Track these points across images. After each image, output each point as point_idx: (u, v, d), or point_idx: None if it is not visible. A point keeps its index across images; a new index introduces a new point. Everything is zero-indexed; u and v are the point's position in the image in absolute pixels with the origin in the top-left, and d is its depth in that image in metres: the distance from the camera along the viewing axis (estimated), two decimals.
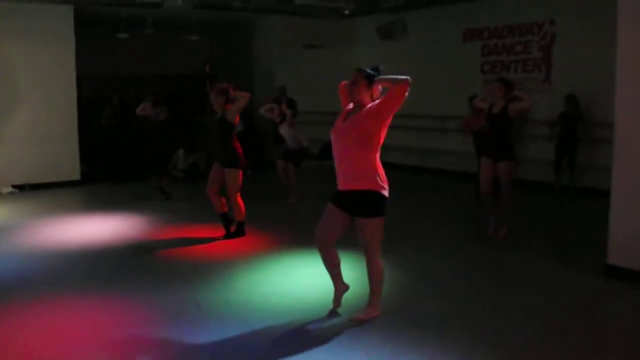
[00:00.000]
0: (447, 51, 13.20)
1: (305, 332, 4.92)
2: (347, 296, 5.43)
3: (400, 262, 6.78)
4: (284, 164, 10.31)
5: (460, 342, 4.66)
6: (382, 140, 4.95)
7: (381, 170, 4.94)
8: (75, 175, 12.33)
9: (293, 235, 8.12)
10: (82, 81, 13.38)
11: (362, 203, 4.90)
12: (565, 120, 10.42)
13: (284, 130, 10.46)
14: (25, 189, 11.71)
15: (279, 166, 10.38)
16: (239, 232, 7.92)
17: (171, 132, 10.91)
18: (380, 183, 4.90)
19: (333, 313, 5.25)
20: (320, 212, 5.16)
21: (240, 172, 7.81)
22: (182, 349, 4.62)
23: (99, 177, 12.73)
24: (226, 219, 8.00)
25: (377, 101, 4.94)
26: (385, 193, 4.93)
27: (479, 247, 7.56)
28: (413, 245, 7.55)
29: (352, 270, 6.00)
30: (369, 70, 5.02)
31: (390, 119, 4.93)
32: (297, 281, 6.23)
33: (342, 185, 4.99)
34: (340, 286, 5.32)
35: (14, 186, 11.67)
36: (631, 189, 6.08)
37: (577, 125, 10.31)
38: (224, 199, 7.97)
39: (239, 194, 7.81)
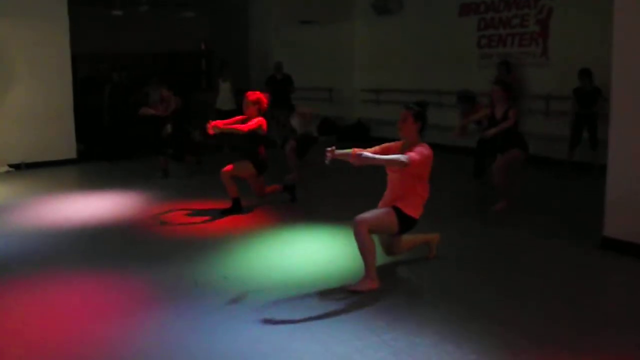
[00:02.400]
0: (444, 25, 13.12)
1: (303, 305, 4.94)
2: (344, 270, 5.45)
3: None
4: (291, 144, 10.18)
5: (457, 315, 4.69)
6: (428, 173, 5.42)
7: (423, 200, 5.45)
8: (72, 154, 12.30)
9: (290, 211, 8.13)
10: (77, 60, 13.29)
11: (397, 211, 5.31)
12: (581, 96, 10.15)
13: (294, 122, 10.28)
14: (21, 168, 11.69)
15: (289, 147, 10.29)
16: (235, 209, 7.93)
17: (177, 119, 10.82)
18: (418, 211, 5.41)
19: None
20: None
21: (253, 169, 7.91)
22: (180, 324, 4.65)
23: (96, 156, 12.70)
24: (289, 189, 8.40)
25: (417, 158, 5.23)
26: (416, 217, 5.42)
27: (477, 222, 7.57)
28: None
29: (351, 246, 6.03)
30: (413, 106, 5.54)
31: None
32: (294, 256, 6.25)
33: (385, 203, 5.43)
34: (430, 239, 6.02)
35: (10, 165, 11.63)
36: (627, 162, 6.08)
37: (596, 100, 9.93)
38: (271, 187, 8.30)
39: (230, 178, 7.86)
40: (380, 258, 5.59)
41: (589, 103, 10.05)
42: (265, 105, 8.02)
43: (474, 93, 10.13)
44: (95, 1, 14.20)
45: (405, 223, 5.36)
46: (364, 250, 5.18)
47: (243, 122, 7.91)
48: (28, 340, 4.45)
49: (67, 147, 12.24)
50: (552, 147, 10.95)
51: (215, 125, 7.53)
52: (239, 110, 13.13)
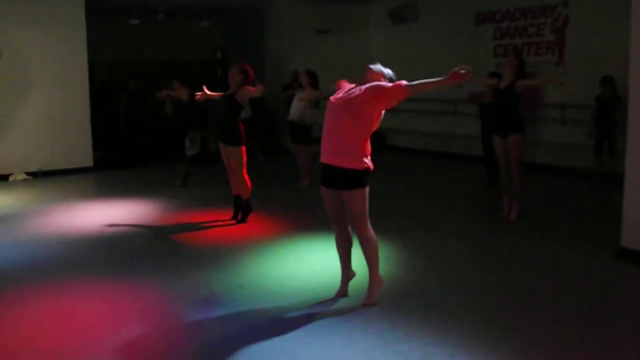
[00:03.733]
0: (460, 35, 13.09)
1: (317, 314, 4.93)
2: (360, 279, 5.45)
3: (411, 245, 6.79)
4: (295, 147, 10.31)
5: (471, 324, 4.67)
6: (376, 124, 5.01)
7: (368, 149, 4.96)
8: (88, 162, 12.38)
9: (304, 219, 8.13)
10: (94, 68, 13.40)
11: (346, 179, 4.88)
12: (602, 104, 10.01)
13: (294, 106, 10.29)
14: (38, 176, 11.78)
15: (294, 149, 10.41)
16: (246, 210, 7.95)
17: (187, 117, 10.88)
18: (365, 161, 4.88)
19: (338, 297, 5.26)
20: None
21: (244, 148, 7.82)
22: (195, 332, 4.66)
23: (112, 164, 12.77)
24: (238, 203, 8.03)
25: (378, 88, 4.97)
26: (369, 166, 4.91)
27: (490, 231, 7.55)
28: (424, 229, 7.54)
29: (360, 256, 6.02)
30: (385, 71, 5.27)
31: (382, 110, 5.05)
32: (309, 265, 6.25)
33: (326, 158, 4.96)
34: (347, 272, 5.34)
35: (27, 173, 11.73)
36: None
37: (617, 109, 9.72)
38: (240, 190, 8.06)
39: (245, 171, 7.84)
40: (390, 268, 5.57)
41: (609, 111, 9.98)
42: (252, 77, 7.97)
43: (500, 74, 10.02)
44: (113, 10, 14.32)
45: (368, 177, 4.97)
46: (373, 252, 5.07)
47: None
48: (42, 347, 4.47)
49: (84, 155, 12.32)
50: (568, 156, 10.88)
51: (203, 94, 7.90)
52: (255, 119, 13.25)
